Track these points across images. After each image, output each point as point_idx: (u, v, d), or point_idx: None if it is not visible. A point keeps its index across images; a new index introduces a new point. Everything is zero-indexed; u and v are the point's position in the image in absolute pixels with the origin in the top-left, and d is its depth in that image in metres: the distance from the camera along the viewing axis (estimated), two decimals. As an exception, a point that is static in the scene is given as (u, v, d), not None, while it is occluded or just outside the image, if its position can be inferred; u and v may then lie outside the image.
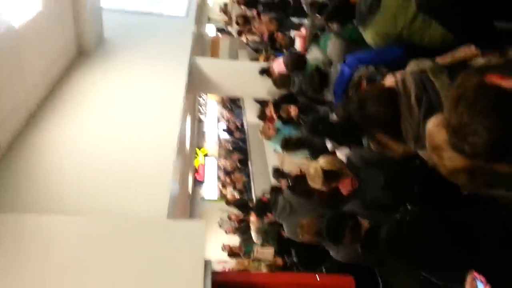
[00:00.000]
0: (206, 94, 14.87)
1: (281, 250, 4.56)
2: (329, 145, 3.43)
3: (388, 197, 2.45)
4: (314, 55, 3.83)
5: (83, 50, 5.34)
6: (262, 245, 5.05)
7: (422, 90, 1.80)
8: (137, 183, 3.55)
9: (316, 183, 2.81)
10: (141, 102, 4.68)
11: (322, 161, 2.83)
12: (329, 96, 3.27)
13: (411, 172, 2.27)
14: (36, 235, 2.88)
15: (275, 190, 4.07)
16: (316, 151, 3.76)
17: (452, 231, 1.90)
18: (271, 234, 4.78)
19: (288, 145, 4.05)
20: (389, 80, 2.04)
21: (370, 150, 2.77)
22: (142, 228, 3.01)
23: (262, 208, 4.22)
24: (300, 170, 3.82)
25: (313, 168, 2.82)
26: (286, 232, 3.83)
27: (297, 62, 4.20)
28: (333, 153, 3.43)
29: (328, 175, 2.76)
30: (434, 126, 1.48)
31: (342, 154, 3.20)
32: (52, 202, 3.27)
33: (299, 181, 3.13)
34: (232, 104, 15.12)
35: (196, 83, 6.37)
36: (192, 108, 10.27)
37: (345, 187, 2.77)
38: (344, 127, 2.93)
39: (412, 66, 1.99)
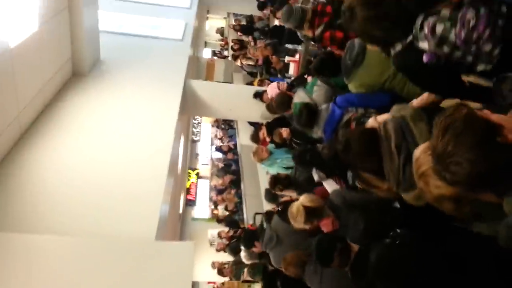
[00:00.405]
0: (200, 117, 14.93)
1: (267, 285, 4.54)
2: (315, 176, 3.47)
3: (367, 240, 2.48)
4: (300, 98, 3.95)
5: (78, 70, 5.38)
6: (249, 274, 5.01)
7: (401, 137, 1.87)
8: (127, 204, 3.53)
9: (298, 222, 2.86)
10: (134, 123, 4.69)
11: (304, 199, 2.89)
12: (318, 132, 3.36)
13: (391, 218, 2.32)
14: (23, 255, 2.85)
15: (268, 215, 4.10)
16: (303, 190, 3.82)
17: (442, 255, 1.91)
18: (258, 269, 4.77)
19: (277, 184, 4.10)
20: (371, 123, 2.14)
21: (351, 191, 2.84)
22: (130, 250, 2.99)
23: (250, 237, 4.24)
24: (291, 197, 3.85)
25: (295, 206, 2.88)
26: (272, 262, 3.83)
27: (284, 101, 4.31)
28: (319, 184, 3.48)
29: (310, 213, 2.81)
30: (421, 153, 1.50)
31: (328, 186, 3.25)
32: (40, 222, 3.24)
33: (288, 208, 3.17)
34: (226, 125, 15.21)
35: (190, 106, 6.41)
36: (186, 130, 10.29)
37: (325, 226, 2.82)
38: (332, 160, 3.00)
39: (395, 111, 2.07)
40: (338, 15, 2.13)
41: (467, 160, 1.18)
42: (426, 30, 1.77)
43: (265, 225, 3.92)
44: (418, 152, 1.52)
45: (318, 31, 3.54)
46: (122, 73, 5.71)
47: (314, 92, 3.80)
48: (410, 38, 1.90)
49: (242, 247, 4.75)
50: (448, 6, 1.75)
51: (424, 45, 1.82)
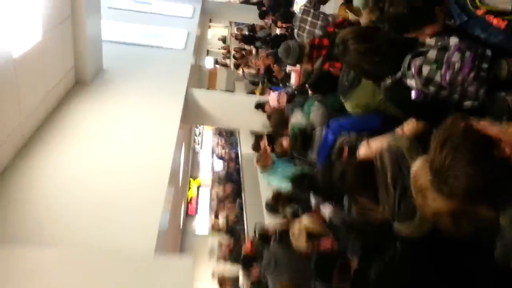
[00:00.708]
0: (202, 125, 14.95)
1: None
2: (313, 200, 3.51)
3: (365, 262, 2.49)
4: (297, 119, 3.99)
5: (81, 79, 5.41)
6: None
7: (397, 170, 1.89)
8: (126, 215, 3.52)
9: (299, 241, 2.97)
10: (136, 133, 4.70)
11: (305, 221, 2.95)
12: (312, 156, 3.40)
13: (388, 240, 2.33)
14: (22, 266, 2.84)
15: (263, 239, 4.13)
16: (306, 207, 3.86)
17: (443, 271, 1.89)
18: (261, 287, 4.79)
19: (279, 200, 4.14)
20: (363, 150, 2.17)
21: (351, 213, 2.87)
22: (128, 264, 2.97)
23: (248, 261, 4.27)
24: (287, 224, 3.89)
25: (297, 228, 2.95)
26: (270, 287, 3.85)
27: (282, 122, 4.36)
28: (317, 209, 3.51)
29: (311, 235, 2.87)
30: (419, 167, 1.50)
31: (326, 210, 3.28)
32: (39, 232, 3.24)
33: (286, 236, 3.24)
34: (228, 133, 15.25)
35: (192, 115, 6.42)
36: (188, 138, 10.31)
37: (325, 246, 2.87)
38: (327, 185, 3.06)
39: (391, 140, 2.08)
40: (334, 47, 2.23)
41: (465, 174, 1.18)
42: (413, 70, 1.82)
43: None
44: (416, 166, 1.52)
45: (317, 64, 3.62)
46: (124, 82, 5.74)
47: (312, 112, 3.84)
48: (399, 74, 1.96)
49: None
50: (427, 36, 1.83)
51: (411, 83, 1.89)
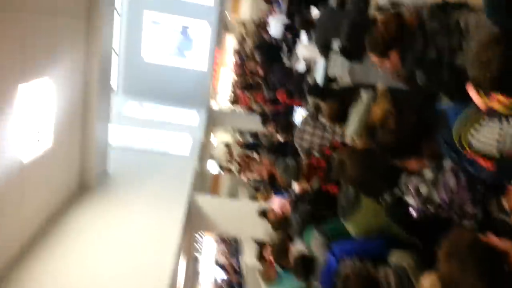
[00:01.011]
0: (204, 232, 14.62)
1: None
2: None
3: None
4: (299, 247, 3.97)
5: (85, 184, 5.44)
6: None
7: None
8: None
9: None
10: (137, 242, 4.57)
11: None
12: (315, 284, 3.30)
13: None
14: None
15: None
16: None
17: None
18: None
19: None
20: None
21: None
22: None
23: None
24: None
25: None
26: None
27: (282, 253, 4.34)
28: None
29: None
30: (429, 286, 1.47)
31: None
32: None
33: None
34: (230, 242, 14.79)
35: (195, 221, 6.33)
36: (188, 247, 10.03)
37: None
38: None
39: (395, 258, 2.10)
40: (331, 169, 2.34)
41: None
42: (411, 189, 1.90)
43: None
44: (426, 285, 1.49)
45: (314, 185, 3.72)
46: (128, 188, 5.75)
47: (312, 243, 3.80)
48: (398, 192, 2.03)
49: None
50: (421, 163, 1.92)
51: (411, 201, 1.94)
